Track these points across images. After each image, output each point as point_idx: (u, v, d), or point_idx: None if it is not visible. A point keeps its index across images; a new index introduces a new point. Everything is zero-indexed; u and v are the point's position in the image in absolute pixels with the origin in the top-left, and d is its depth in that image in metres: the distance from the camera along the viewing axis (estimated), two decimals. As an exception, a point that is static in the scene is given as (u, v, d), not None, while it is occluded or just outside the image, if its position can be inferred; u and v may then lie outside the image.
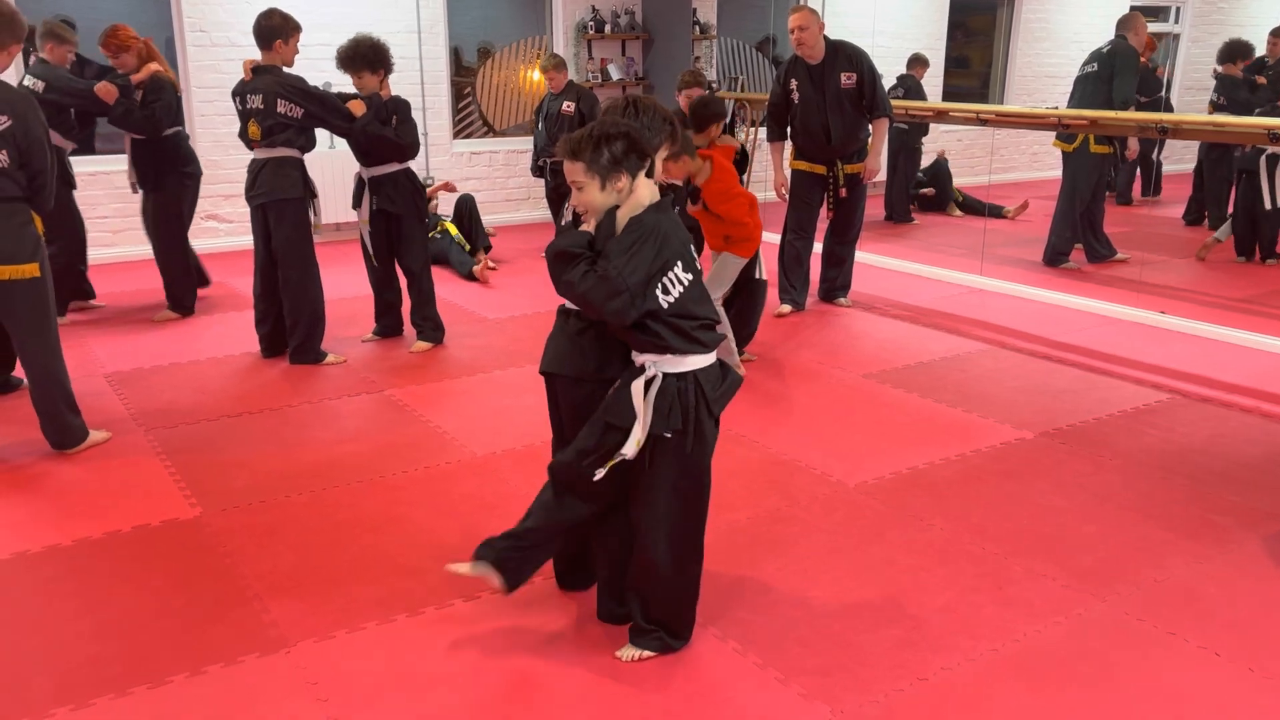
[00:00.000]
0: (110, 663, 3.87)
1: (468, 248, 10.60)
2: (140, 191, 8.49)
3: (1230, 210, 11.17)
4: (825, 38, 8.27)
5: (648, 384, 3.62)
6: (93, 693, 3.69)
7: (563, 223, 3.94)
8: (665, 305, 3.54)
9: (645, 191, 3.61)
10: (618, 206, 3.58)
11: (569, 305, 3.83)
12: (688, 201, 6.98)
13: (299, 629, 4.09)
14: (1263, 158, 10.30)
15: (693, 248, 3.71)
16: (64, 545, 4.76)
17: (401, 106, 7.40)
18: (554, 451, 4.18)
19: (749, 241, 6.96)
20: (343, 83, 7.62)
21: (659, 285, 3.52)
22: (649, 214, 3.56)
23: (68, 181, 8.12)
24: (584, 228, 3.64)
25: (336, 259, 10.38)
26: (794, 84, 8.41)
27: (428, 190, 8.59)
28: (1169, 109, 12.42)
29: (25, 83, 7.84)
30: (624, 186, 3.56)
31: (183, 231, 8.60)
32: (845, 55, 8.28)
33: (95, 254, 8.51)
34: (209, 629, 4.10)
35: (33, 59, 8.09)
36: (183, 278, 8.67)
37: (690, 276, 3.61)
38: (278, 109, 6.99)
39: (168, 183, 8.36)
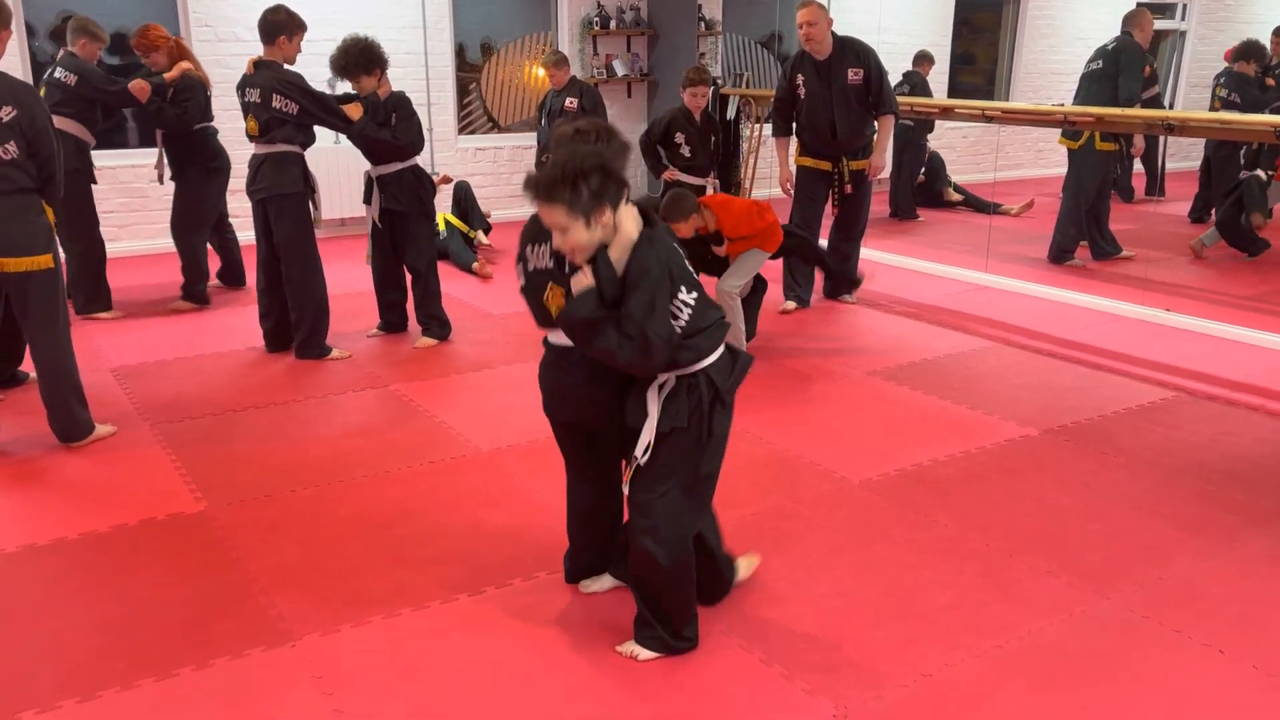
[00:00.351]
0: (117, 655, 3.88)
1: (472, 234, 10.66)
2: (167, 183, 8.73)
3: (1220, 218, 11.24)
4: (833, 33, 8.25)
5: (660, 387, 3.63)
6: (99, 685, 3.70)
7: (530, 268, 3.82)
8: (678, 331, 3.54)
9: (630, 222, 3.52)
10: (606, 244, 3.50)
11: (556, 340, 3.82)
12: (711, 249, 7.09)
13: (305, 623, 4.10)
14: (1247, 178, 10.44)
15: (686, 262, 3.72)
16: (70, 538, 4.78)
17: (402, 104, 7.38)
18: (569, 484, 4.19)
19: (773, 238, 7.12)
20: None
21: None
22: (647, 251, 3.48)
23: (89, 177, 8.18)
24: (579, 279, 3.49)
25: (341, 254, 10.39)
26: (800, 79, 8.39)
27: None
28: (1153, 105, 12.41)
29: (56, 75, 7.93)
30: (608, 220, 3.45)
31: (202, 224, 8.75)
32: (853, 51, 8.27)
33: (101, 249, 8.53)
34: (215, 622, 4.11)
35: (61, 52, 8.14)
36: (197, 269, 8.79)
37: (695, 294, 3.60)
38: (273, 104, 7.01)
39: (189, 175, 8.54)
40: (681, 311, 3.55)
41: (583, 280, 3.47)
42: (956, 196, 13.59)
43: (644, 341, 3.40)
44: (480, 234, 10.78)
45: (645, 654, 3.84)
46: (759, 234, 7.06)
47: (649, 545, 3.70)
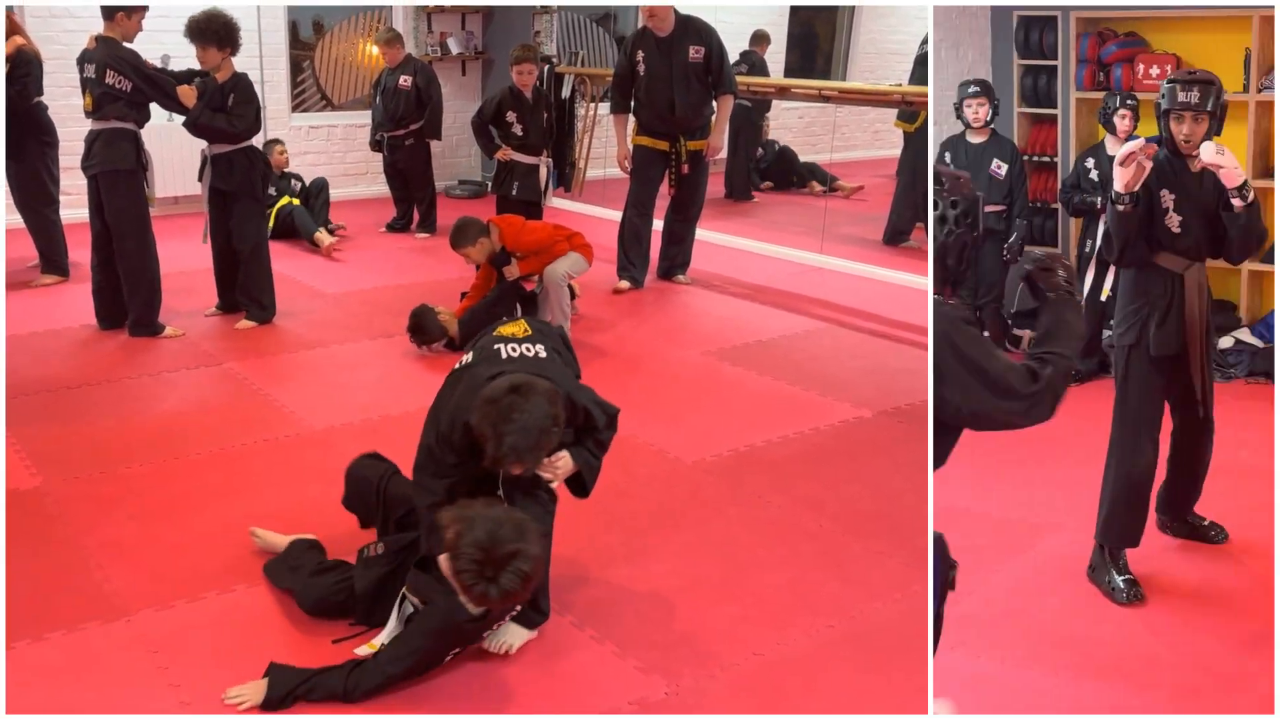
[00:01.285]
0: (-52, 633, 3.82)
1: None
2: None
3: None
4: (675, 11, 8.28)
5: None
6: (-72, 663, 3.64)
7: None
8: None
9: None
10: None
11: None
12: (503, 271, 7.25)
13: (140, 598, 4.08)
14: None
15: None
16: (-103, 517, 4.68)
17: (241, 86, 7.23)
18: None
19: (585, 247, 7.39)
20: (181, 55, 7.48)
21: None
22: (562, 394, 3.61)
23: None
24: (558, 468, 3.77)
25: (175, 232, 10.17)
26: (641, 55, 8.40)
27: None
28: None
29: None
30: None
31: (50, 197, 8.62)
32: (695, 29, 8.31)
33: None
34: (51, 597, 4.07)
35: None
36: (52, 241, 8.67)
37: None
38: (106, 79, 6.89)
39: (29, 150, 8.35)
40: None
41: (560, 464, 3.79)
42: (820, 187, 13.53)
43: (613, 420, 3.90)
44: (322, 231, 10.40)
45: (520, 639, 3.83)
46: (552, 243, 7.22)
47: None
